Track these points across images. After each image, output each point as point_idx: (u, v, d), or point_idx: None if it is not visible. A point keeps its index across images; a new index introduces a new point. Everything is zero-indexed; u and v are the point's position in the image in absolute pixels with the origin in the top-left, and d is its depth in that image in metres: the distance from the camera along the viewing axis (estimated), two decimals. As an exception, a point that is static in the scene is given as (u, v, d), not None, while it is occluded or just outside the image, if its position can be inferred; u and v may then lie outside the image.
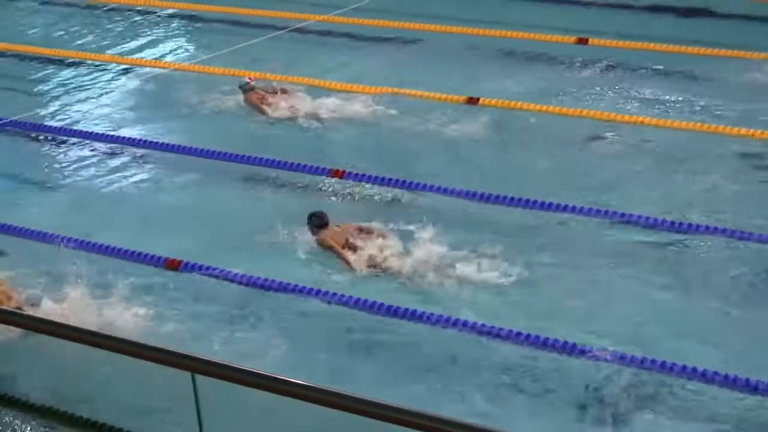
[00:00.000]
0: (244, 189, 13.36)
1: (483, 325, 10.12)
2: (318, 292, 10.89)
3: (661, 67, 15.57)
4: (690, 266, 10.99)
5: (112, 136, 14.92)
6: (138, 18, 19.84)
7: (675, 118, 13.99)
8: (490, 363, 9.71)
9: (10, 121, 15.34)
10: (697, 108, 14.28)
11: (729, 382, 9.19)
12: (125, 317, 10.58)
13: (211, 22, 19.30)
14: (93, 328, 7.50)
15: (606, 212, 11.92)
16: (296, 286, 10.97)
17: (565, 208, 12.06)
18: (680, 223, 11.61)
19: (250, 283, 11.20)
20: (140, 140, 14.67)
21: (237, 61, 16.59)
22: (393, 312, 10.52)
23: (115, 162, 14.27)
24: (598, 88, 15.14)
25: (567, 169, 13.15)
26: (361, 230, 11.60)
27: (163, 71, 16.78)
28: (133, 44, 18.55)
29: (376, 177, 13.08)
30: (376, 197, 12.83)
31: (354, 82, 15.78)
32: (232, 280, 11.29)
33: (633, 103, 14.60)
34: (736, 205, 11.96)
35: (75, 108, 15.94)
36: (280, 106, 15.00)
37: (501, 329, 10.04)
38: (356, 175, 13.17)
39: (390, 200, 12.70)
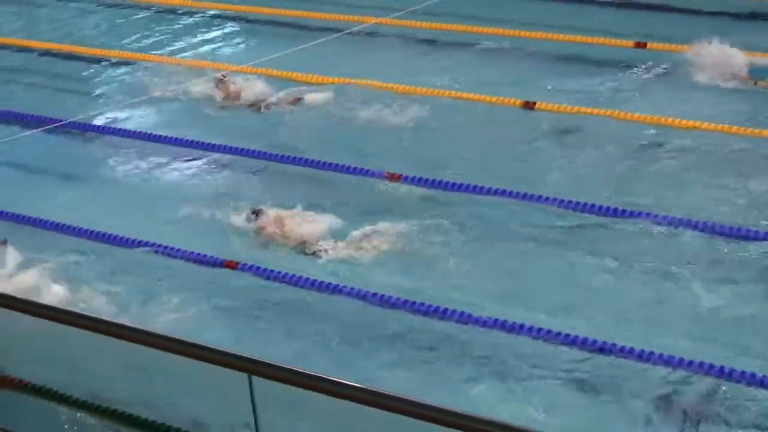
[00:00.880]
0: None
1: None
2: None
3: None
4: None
5: (180, 139, 15.00)
6: (196, 19, 20.06)
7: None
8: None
9: (71, 122, 15.47)
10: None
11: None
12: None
13: (266, 24, 19.44)
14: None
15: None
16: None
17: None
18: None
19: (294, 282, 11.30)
20: (214, 145, 14.74)
21: (293, 63, 16.64)
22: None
23: (184, 166, 14.37)
24: (656, 93, 15.06)
25: (628, 174, 13.09)
26: None
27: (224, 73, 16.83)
28: (195, 46, 18.74)
29: (428, 179, 13.11)
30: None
31: (408, 84, 15.83)
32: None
33: (690, 108, 14.50)
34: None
35: (139, 110, 16.08)
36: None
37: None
38: (412, 178, 13.19)
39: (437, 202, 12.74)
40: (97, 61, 18.06)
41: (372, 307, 10.82)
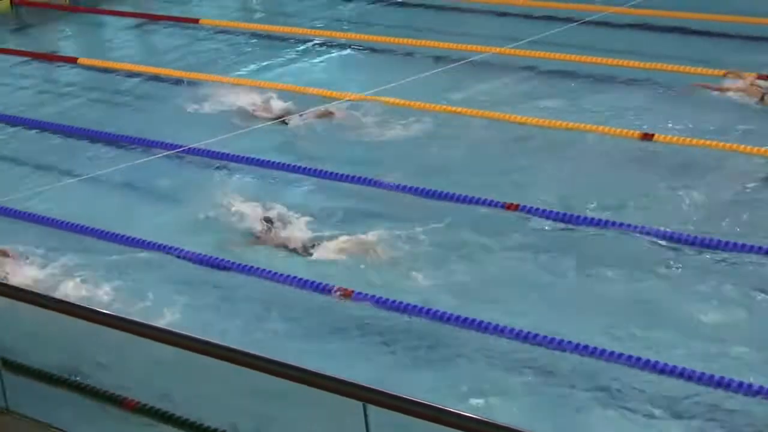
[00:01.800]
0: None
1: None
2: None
3: None
4: None
5: (292, 166, 15.12)
6: (306, 47, 20.26)
7: None
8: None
9: (190, 149, 15.67)
10: None
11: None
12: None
13: (384, 52, 19.52)
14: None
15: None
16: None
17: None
18: None
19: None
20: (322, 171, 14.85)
21: (408, 92, 16.67)
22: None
23: (290, 192, 14.50)
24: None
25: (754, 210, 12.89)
26: None
27: (339, 101, 16.93)
28: (307, 73, 18.94)
29: (559, 213, 13.04)
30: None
31: (522, 115, 15.82)
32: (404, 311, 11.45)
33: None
34: None
35: (252, 136, 16.18)
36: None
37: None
38: (531, 208, 13.14)
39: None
40: (210, 87, 18.33)
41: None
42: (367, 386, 6.15)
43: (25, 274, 12.61)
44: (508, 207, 13.29)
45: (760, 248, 11.80)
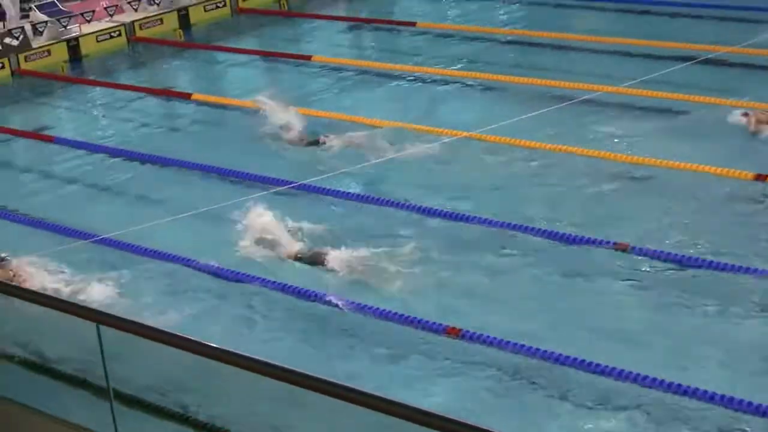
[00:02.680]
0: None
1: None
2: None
3: None
4: None
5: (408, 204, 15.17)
6: (417, 84, 20.33)
7: None
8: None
9: (301, 185, 15.78)
10: None
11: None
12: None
13: (495, 89, 19.49)
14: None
15: None
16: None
17: None
18: None
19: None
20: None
21: (516, 130, 16.63)
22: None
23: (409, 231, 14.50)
24: None
25: None
26: None
27: (457, 138, 16.92)
28: (415, 109, 19.00)
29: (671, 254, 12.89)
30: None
31: (635, 155, 15.72)
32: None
33: None
34: None
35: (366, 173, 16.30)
36: None
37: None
38: (640, 249, 12.98)
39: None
40: (322, 124, 18.47)
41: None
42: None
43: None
44: (618, 247, 13.14)
45: None
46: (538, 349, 11.23)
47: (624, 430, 10.13)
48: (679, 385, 10.40)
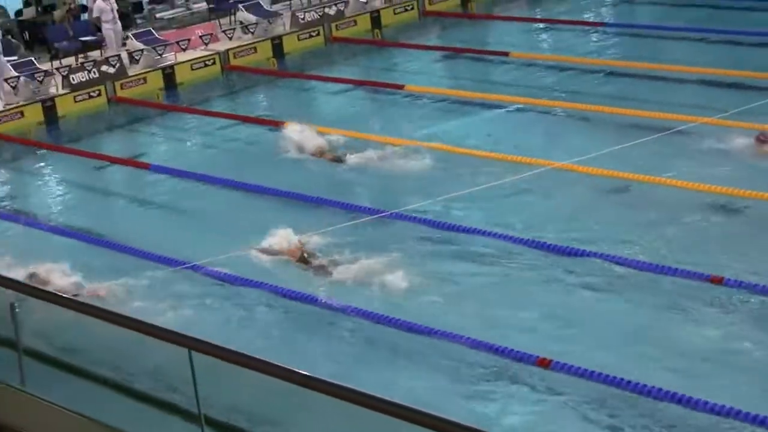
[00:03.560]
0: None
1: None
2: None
3: None
4: None
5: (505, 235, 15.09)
6: (500, 113, 20.26)
7: None
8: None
9: (392, 213, 15.79)
10: None
11: None
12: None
13: (588, 120, 19.38)
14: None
15: None
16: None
17: None
18: None
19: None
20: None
21: (609, 160, 16.53)
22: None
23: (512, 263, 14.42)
24: None
25: None
26: None
27: (547, 169, 16.84)
28: (507, 139, 18.94)
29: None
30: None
31: (724, 185, 15.52)
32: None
33: None
34: None
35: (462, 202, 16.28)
36: None
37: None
38: (735, 281, 12.80)
39: None
40: (414, 152, 18.49)
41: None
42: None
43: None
44: (713, 280, 12.97)
45: None
46: (629, 382, 11.09)
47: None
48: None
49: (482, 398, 11.39)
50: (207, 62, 26.12)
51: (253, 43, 26.90)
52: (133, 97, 24.67)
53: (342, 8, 28.46)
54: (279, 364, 7.34)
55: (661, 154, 16.92)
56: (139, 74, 25.33)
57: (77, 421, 8.60)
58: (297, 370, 7.18)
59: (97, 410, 8.86)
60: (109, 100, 24.59)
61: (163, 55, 25.85)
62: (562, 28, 26.49)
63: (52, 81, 24.67)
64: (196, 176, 18.82)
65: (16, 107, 23.73)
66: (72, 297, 10.26)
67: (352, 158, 18.54)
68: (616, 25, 25.89)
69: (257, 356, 7.50)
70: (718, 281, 12.91)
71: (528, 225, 15.31)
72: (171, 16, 29.70)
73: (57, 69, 25.28)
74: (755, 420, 10.24)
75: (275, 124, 20.96)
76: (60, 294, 9.29)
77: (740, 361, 11.51)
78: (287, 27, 27.76)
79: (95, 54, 26.80)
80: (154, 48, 25.82)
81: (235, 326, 13.48)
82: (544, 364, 11.66)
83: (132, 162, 20.25)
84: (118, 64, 25.12)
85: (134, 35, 26.45)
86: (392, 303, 13.50)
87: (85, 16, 28.39)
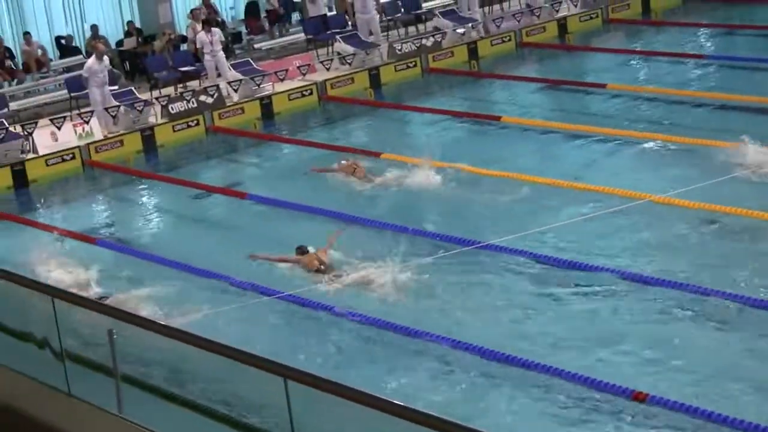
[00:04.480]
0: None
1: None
2: None
3: None
4: None
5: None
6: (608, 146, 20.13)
7: None
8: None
9: (488, 244, 15.74)
10: None
11: None
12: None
13: (686, 152, 19.15)
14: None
15: None
16: None
17: None
18: None
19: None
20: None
21: (708, 194, 16.34)
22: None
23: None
24: None
25: None
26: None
27: (639, 202, 16.69)
28: (606, 170, 18.83)
29: None
30: None
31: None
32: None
33: None
34: None
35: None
36: None
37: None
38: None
39: None
40: (509, 184, 18.47)
41: None
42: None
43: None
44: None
45: None
46: (726, 417, 10.95)
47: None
48: None
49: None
50: (304, 92, 26.32)
51: (351, 73, 27.07)
52: (231, 127, 24.93)
53: (439, 39, 28.53)
54: (375, 395, 7.32)
55: (757, 186, 16.69)
56: (237, 104, 25.60)
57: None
58: (394, 401, 7.15)
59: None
60: (207, 130, 24.88)
61: (261, 85, 26.10)
62: (660, 59, 26.31)
63: (152, 110, 25.02)
64: (292, 205, 18.91)
65: (116, 136, 24.11)
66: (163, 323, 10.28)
67: (443, 189, 18.55)
68: (715, 57, 25.61)
69: (355, 387, 7.49)
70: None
71: (622, 257, 15.23)
72: (269, 47, 30.01)
73: (156, 98, 25.65)
74: None
75: (371, 155, 21.03)
76: (157, 321, 9.35)
77: None
78: (384, 58, 27.89)
79: (194, 84, 27.17)
80: (252, 78, 26.08)
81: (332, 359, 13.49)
82: (639, 398, 11.53)
83: (229, 191, 20.43)
84: (216, 94, 25.41)
85: (233, 65, 26.74)
86: (487, 332, 13.49)
87: (184, 47, 28.82)
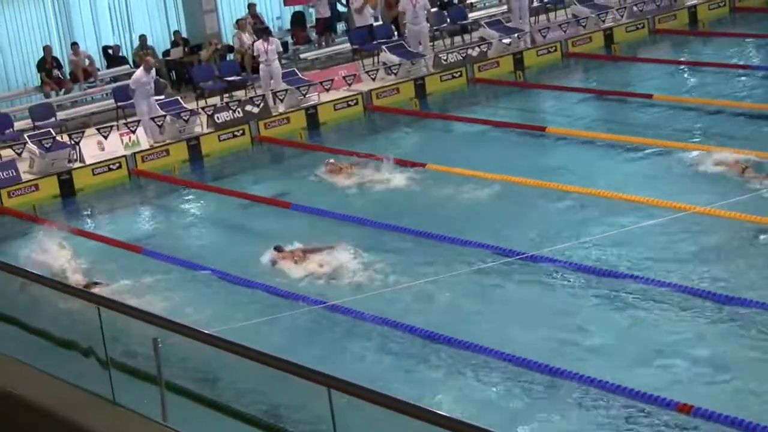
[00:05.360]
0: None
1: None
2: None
3: None
4: None
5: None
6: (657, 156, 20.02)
7: None
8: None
9: (529, 255, 15.71)
10: None
11: None
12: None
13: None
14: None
15: None
16: None
17: None
18: None
19: None
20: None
21: (755, 206, 16.26)
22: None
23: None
24: None
25: None
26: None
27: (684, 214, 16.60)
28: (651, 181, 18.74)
29: None
30: None
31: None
32: None
33: None
34: None
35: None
36: None
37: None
38: None
39: None
40: (554, 196, 18.47)
41: None
42: None
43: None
44: None
45: None
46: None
47: None
48: None
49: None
50: (350, 102, 26.36)
51: (396, 83, 27.09)
52: (276, 137, 25.00)
53: (485, 49, 28.50)
54: (420, 405, 7.32)
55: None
56: (283, 114, 25.67)
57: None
58: (438, 411, 7.14)
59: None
60: (252, 140, 24.96)
61: (307, 95, 26.16)
62: (707, 70, 26.15)
63: (197, 120, 25.14)
64: (335, 215, 18.94)
65: (162, 145, 24.25)
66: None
67: (487, 199, 18.53)
68: (762, 68, 25.41)
69: (398, 396, 7.50)
70: None
71: (664, 268, 15.13)
72: (315, 57, 30.08)
73: (202, 108, 25.77)
74: None
75: (418, 165, 21.03)
76: (201, 330, 9.37)
77: None
78: (430, 68, 27.89)
79: (240, 93, 27.27)
80: (297, 88, 26.15)
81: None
82: (684, 410, 11.46)
83: (274, 201, 20.48)
84: (262, 104, 25.50)
85: (279, 75, 26.82)
86: (534, 344, 13.47)
87: (230, 56, 28.94)
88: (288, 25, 32.17)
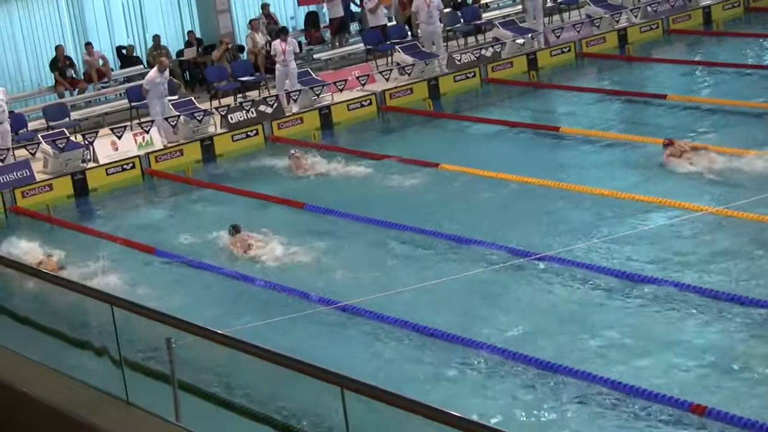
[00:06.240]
0: None
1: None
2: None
3: None
4: None
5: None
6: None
7: None
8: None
9: (545, 255, 15.69)
10: None
11: None
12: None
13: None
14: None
15: None
16: None
17: None
18: None
19: None
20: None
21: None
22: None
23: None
24: None
25: None
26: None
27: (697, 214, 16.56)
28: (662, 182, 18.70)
29: None
30: None
31: None
32: None
33: None
34: None
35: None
36: None
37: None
38: None
39: None
40: (567, 198, 18.44)
41: None
42: None
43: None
44: None
45: None
46: None
47: None
48: None
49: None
50: (363, 103, 26.36)
51: (410, 84, 27.07)
52: (290, 137, 24.99)
53: (498, 50, 28.47)
54: (435, 406, 7.31)
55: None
56: (297, 114, 25.68)
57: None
58: (453, 413, 7.13)
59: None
60: (266, 140, 24.96)
61: (320, 96, 26.16)
62: (722, 70, 26.06)
63: (211, 120, 25.16)
64: (348, 216, 18.92)
65: (176, 146, 24.27)
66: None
67: (500, 199, 18.51)
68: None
69: (413, 397, 7.50)
70: None
71: (680, 269, 15.11)
72: (328, 57, 30.09)
73: (216, 108, 25.78)
74: None
75: (429, 165, 21.01)
76: (214, 330, 9.36)
77: None
78: (443, 68, 27.87)
79: (253, 94, 27.29)
80: (311, 88, 26.14)
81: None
82: (698, 411, 11.43)
83: (287, 201, 20.46)
84: (275, 104, 25.51)
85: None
86: (549, 344, 13.48)
87: (244, 56, 28.96)
88: (302, 26, 32.19)
